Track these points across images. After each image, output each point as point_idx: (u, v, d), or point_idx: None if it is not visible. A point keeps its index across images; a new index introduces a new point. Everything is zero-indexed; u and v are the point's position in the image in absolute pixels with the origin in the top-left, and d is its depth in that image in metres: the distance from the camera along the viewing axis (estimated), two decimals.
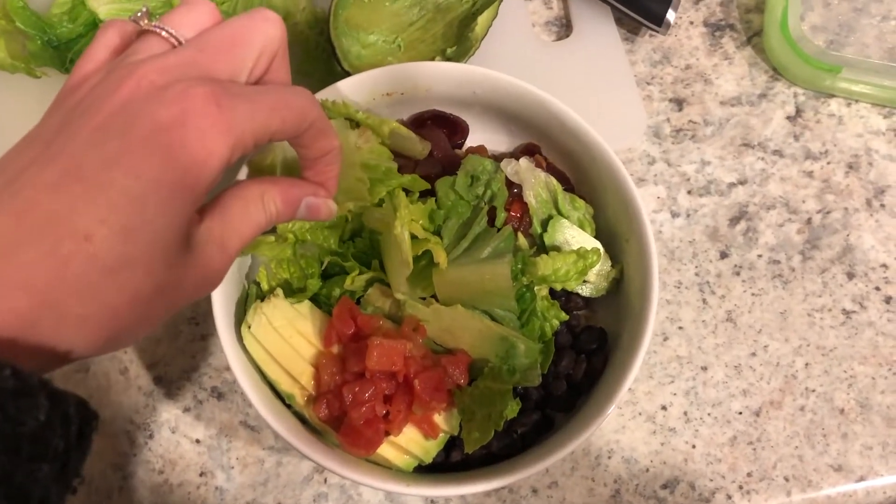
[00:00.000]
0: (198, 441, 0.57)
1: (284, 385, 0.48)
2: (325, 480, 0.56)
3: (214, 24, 0.38)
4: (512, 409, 0.47)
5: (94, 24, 0.59)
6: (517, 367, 0.48)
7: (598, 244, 0.54)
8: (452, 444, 0.50)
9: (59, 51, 0.59)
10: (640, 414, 0.58)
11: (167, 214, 0.32)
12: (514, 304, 0.49)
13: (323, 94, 0.53)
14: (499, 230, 0.49)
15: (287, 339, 0.48)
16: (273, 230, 0.53)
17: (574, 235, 0.53)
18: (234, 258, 0.37)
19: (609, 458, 0.57)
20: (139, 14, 0.39)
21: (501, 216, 0.52)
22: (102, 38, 0.38)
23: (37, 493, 0.29)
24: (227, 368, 0.56)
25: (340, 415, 0.47)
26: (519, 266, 0.49)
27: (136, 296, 0.33)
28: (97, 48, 0.38)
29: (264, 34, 0.37)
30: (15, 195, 0.32)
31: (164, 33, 0.37)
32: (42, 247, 0.31)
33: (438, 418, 0.48)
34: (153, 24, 0.37)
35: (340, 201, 0.50)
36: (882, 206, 0.63)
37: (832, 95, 0.66)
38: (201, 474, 0.56)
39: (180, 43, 0.37)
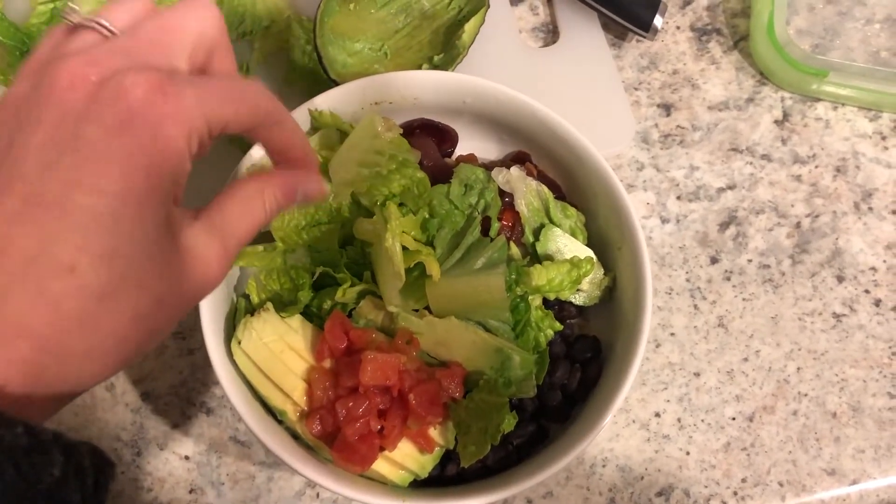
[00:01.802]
0: (187, 457, 0.56)
1: (276, 401, 0.47)
2: (318, 495, 0.55)
3: (152, 13, 0.36)
4: (509, 422, 0.47)
5: None
6: (512, 379, 0.47)
7: (590, 252, 0.53)
8: (448, 457, 0.49)
9: None
10: (633, 421, 0.58)
11: (142, 223, 0.31)
12: (508, 315, 0.48)
13: (310, 104, 0.52)
14: (492, 240, 0.49)
15: (278, 354, 0.48)
16: (265, 239, 0.52)
17: (566, 244, 0.53)
18: (233, 258, 0.36)
19: (603, 466, 0.57)
20: (67, 10, 0.36)
21: (495, 226, 0.52)
22: (47, 42, 0.35)
23: None
24: (216, 383, 0.55)
25: (334, 430, 0.46)
26: (513, 276, 0.49)
27: (136, 314, 0.31)
28: (38, 54, 0.35)
29: (199, 21, 0.36)
30: None
31: (94, 25, 0.34)
32: (29, 287, 0.29)
33: (434, 432, 0.47)
34: (83, 18, 0.35)
35: (341, 189, 0.50)
36: (870, 209, 0.64)
37: (819, 99, 0.66)
38: (191, 491, 0.55)
39: (113, 34, 0.35)
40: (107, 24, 0.35)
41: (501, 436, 0.47)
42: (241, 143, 0.60)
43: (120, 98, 0.31)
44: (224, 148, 0.60)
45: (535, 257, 0.53)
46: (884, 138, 0.65)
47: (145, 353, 0.35)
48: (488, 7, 0.61)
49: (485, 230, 0.51)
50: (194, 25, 0.35)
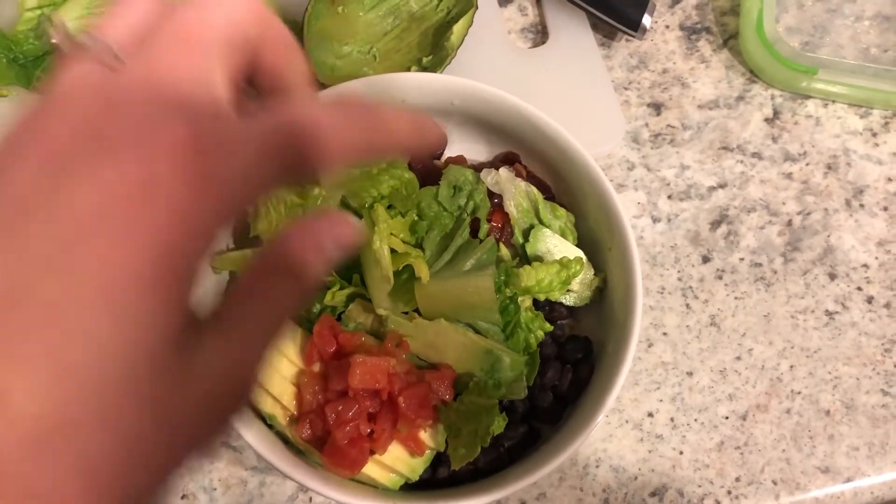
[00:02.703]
0: None
1: (265, 405, 0.47)
2: (310, 500, 0.55)
3: (160, 19, 0.26)
4: (498, 424, 0.47)
5: None
6: (503, 381, 0.47)
7: (580, 253, 0.53)
8: (439, 460, 0.49)
9: (26, 69, 0.58)
10: (626, 422, 0.58)
11: (141, 326, 0.21)
12: (497, 316, 0.48)
13: None
14: (481, 242, 0.49)
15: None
16: (253, 243, 0.52)
17: (556, 244, 0.53)
18: (251, 378, 0.25)
19: (597, 467, 0.57)
20: (55, 27, 0.26)
21: (485, 227, 0.52)
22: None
23: None
24: None
25: (324, 434, 0.46)
26: (502, 278, 0.49)
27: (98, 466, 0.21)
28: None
29: (226, 16, 0.26)
30: None
31: (94, 51, 0.25)
32: None
33: (424, 435, 0.47)
34: (78, 37, 0.25)
35: (331, 192, 0.49)
36: (861, 205, 0.63)
37: (809, 97, 0.66)
38: (183, 497, 0.55)
39: (117, 58, 0.25)
40: (109, 46, 0.25)
41: (492, 438, 0.47)
42: None
43: (136, 162, 0.22)
44: None
45: (524, 258, 0.53)
46: (874, 135, 0.65)
47: None
48: (476, 8, 0.61)
49: (474, 232, 0.51)
50: (219, 26, 0.26)
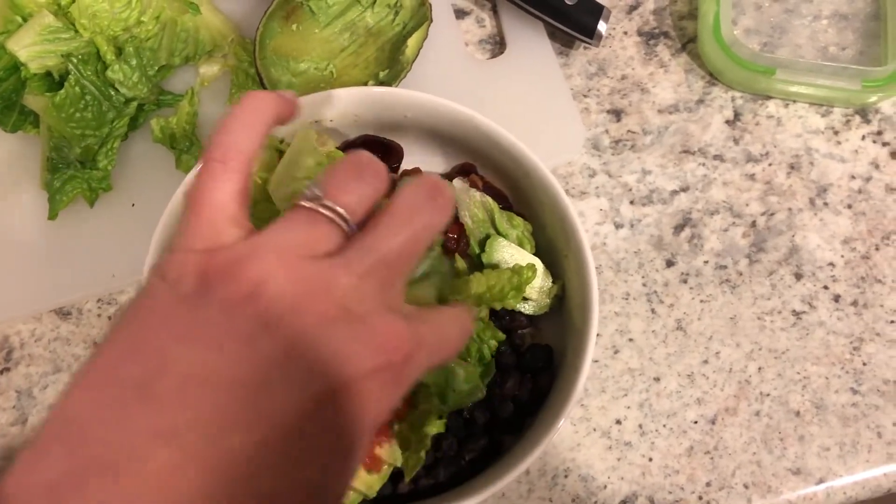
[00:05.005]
0: None
1: None
2: None
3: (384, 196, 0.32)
4: (434, 424, 0.46)
5: (14, 68, 0.57)
6: (458, 391, 0.47)
7: (536, 261, 0.53)
8: (399, 475, 0.49)
9: None
10: (594, 430, 0.57)
11: None
12: None
13: None
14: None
15: None
16: None
17: (512, 254, 0.52)
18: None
19: (566, 476, 0.56)
20: (309, 193, 0.31)
21: (439, 239, 0.52)
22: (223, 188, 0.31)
23: None
24: None
25: None
26: (446, 289, 0.48)
27: None
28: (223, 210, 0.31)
29: (433, 224, 0.33)
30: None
31: (334, 216, 0.30)
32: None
33: (381, 451, 0.47)
34: (318, 198, 0.30)
35: (283, 206, 0.49)
36: (825, 204, 0.63)
37: (769, 97, 0.66)
38: None
39: (351, 229, 0.30)
40: (346, 215, 0.30)
41: (454, 450, 0.47)
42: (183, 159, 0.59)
43: (369, 356, 0.27)
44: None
45: (480, 268, 0.53)
46: (836, 133, 0.65)
47: None
48: (431, 21, 0.62)
49: None
50: (427, 233, 0.32)
